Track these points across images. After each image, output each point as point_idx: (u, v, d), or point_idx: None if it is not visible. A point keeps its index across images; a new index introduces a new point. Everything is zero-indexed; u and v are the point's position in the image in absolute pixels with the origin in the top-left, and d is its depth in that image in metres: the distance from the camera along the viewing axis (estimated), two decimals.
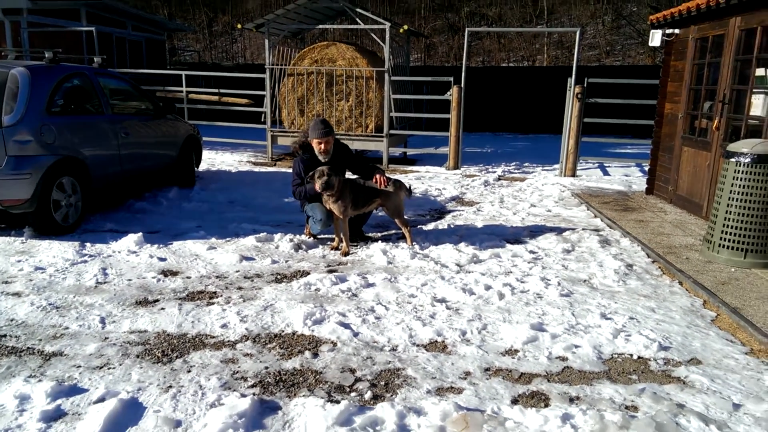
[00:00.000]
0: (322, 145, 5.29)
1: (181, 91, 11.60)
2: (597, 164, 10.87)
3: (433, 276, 4.57)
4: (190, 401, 2.78)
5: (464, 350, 3.33)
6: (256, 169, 10.09)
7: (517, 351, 3.32)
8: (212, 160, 10.93)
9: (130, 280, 4.48)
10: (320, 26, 11.30)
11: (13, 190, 5.15)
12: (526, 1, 33.58)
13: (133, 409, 2.73)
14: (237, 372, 3.08)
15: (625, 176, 9.62)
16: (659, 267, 4.88)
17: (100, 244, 5.31)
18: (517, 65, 29.45)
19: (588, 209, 7.08)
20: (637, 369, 3.13)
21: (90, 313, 3.82)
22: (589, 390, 2.90)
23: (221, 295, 4.19)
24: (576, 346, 3.34)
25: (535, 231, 6.04)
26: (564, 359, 3.22)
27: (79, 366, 3.14)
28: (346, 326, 3.62)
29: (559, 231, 6.01)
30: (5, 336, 3.49)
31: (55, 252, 5.05)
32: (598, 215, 6.66)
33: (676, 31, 7.39)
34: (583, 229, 6.01)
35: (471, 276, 4.56)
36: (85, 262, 4.84)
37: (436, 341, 3.46)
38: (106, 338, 3.48)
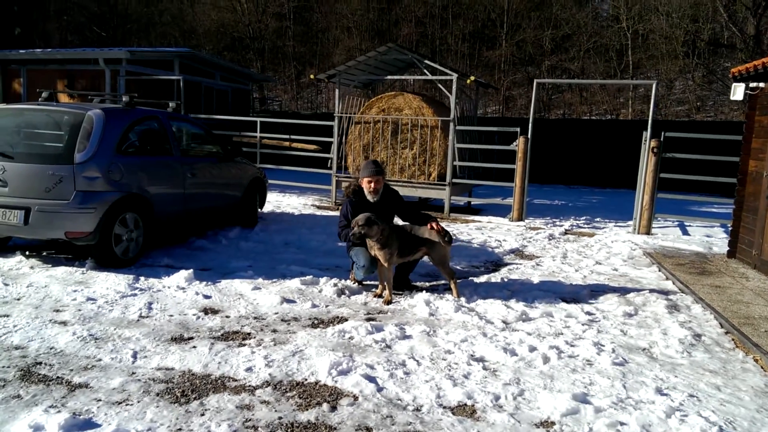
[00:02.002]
0: (372, 184, 5.25)
1: (255, 137, 12.09)
2: (677, 222, 10.15)
3: (475, 332, 4.30)
4: None
5: (494, 417, 3.04)
6: (319, 212, 10.21)
7: (553, 423, 3.00)
8: (279, 202, 11.19)
9: (171, 315, 4.52)
10: (389, 77, 11.51)
11: (78, 223, 5.42)
12: (610, 56, 32.88)
13: None
14: (249, 420, 2.96)
15: (707, 237, 8.90)
16: (732, 339, 4.35)
17: (152, 279, 5.45)
18: (600, 119, 28.64)
19: (659, 270, 6.54)
20: None
21: (125, 347, 3.86)
22: None
23: (254, 337, 4.13)
24: (622, 424, 2.96)
25: (596, 290, 5.62)
26: None
27: (99, 400, 3.13)
28: (372, 380, 3.44)
29: (622, 292, 5.56)
30: (40, 363, 3.57)
31: (109, 284, 5.23)
32: (670, 277, 6.12)
33: (761, 84, 6.88)
34: (650, 292, 5.52)
35: (516, 335, 4.26)
36: (135, 295, 4.96)
37: (465, 404, 3.19)
38: (133, 373, 3.48)
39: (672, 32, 29.60)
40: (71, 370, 3.50)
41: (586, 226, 9.77)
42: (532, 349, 3.97)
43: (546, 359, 3.80)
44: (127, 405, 3.09)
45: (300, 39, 37.94)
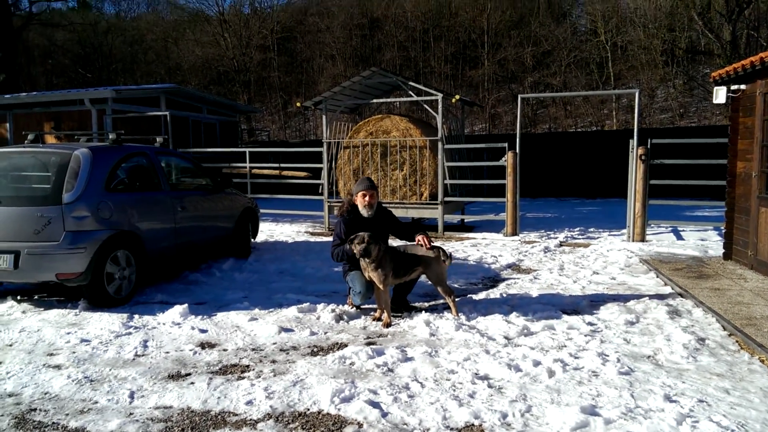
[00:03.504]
0: (367, 198, 5.23)
1: (245, 167, 12.09)
2: (670, 228, 10.18)
3: (478, 350, 4.24)
4: None
5: None
6: (312, 239, 10.16)
7: None
8: (271, 231, 11.14)
9: (167, 352, 4.43)
10: (375, 101, 11.59)
11: (69, 264, 5.34)
12: (591, 69, 33.37)
13: None
14: None
15: (701, 240, 8.91)
16: (736, 341, 4.31)
17: (147, 316, 5.36)
18: (585, 130, 28.92)
19: (657, 276, 6.52)
20: None
21: (121, 387, 3.77)
22: None
23: (253, 369, 4.05)
24: None
25: (596, 300, 5.58)
26: None
27: None
28: (376, 405, 3.36)
29: (622, 300, 5.52)
30: (35, 410, 3.47)
31: (103, 324, 5.13)
32: (669, 283, 6.10)
33: (742, 86, 6.97)
34: (650, 299, 5.49)
35: (519, 350, 4.20)
36: (129, 334, 4.87)
37: (473, 425, 3.12)
38: (131, 414, 3.39)
39: (650, 42, 30.14)
40: (67, 414, 3.40)
41: (580, 237, 9.77)
42: (537, 363, 3.91)
43: (551, 373, 3.74)
44: None
45: (285, 69, 38.30)
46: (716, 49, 26.56)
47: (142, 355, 4.38)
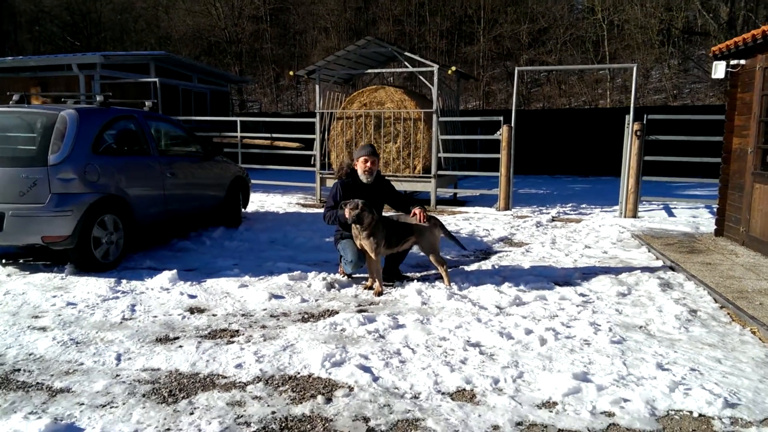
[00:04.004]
0: (368, 164, 5.14)
1: (236, 136, 11.91)
2: (661, 205, 10.19)
3: (470, 318, 4.21)
4: None
5: (494, 401, 2.95)
6: (304, 210, 10.07)
7: (555, 404, 2.91)
8: (262, 201, 11.03)
9: (155, 317, 4.37)
10: (369, 71, 11.40)
11: (55, 227, 5.23)
12: (587, 48, 33.12)
13: None
14: (241, 416, 2.84)
15: (693, 217, 8.92)
16: (728, 313, 4.31)
17: (135, 281, 5.28)
18: (579, 107, 28.83)
19: (649, 251, 6.51)
20: (698, 429, 2.65)
21: (108, 350, 3.71)
22: None
23: (243, 334, 4.00)
24: (625, 400, 2.89)
25: (588, 273, 5.56)
26: (610, 414, 2.79)
27: (83, 404, 2.99)
28: (367, 370, 3.33)
29: (614, 273, 5.51)
30: (19, 370, 3.41)
31: (90, 288, 5.05)
32: (660, 257, 6.10)
33: (742, 61, 6.89)
34: (641, 272, 5.48)
35: (511, 319, 4.18)
36: (117, 298, 4.80)
37: (464, 389, 3.10)
38: (117, 375, 3.33)
39: (647, 21, 29.87)
40: (52, 375, 3.34)
41: (572, 212, 9.75)
42: (528, 332, 3.89)
43: (543, 341, 3.72)
44: (111, 408, 2.94)
45: (277, 41, 37.65)
46: (712, 30, 26.43)
47: (130, 319, 4.31)
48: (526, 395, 3.01)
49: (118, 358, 3.59)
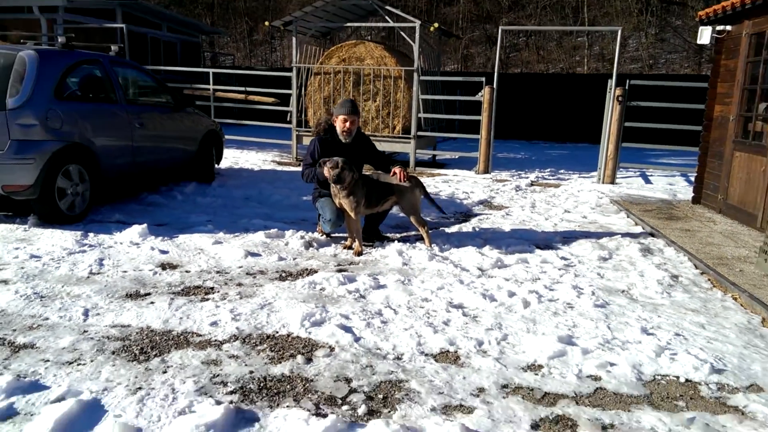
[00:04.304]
0: (347, 124, 4.93)
1: (208, 89, 11.45)
2: (638, 172, 10.25)
3: (452, 280, 4.13)
4: (158, 406, 2.42)
5: (479, 363, 2.88)
6: (279, 168, 9.82)
7: (541, 366, 2.86)
8: (236, 158, 10.72)
9: (125, 272, 4.18)
10: (349, 24, 10.99)
11: (16, 176, 4.93)
12: (566, 14, 32.86)
13: (91, 412, 2.39)
14: (217, 376, 2.71)
15: (669, 185, 8.99)
16: (709, 279, 4.33)
17: (103, 235, 5.05)
18: (557, 73, 28.74)
19: (628, 217, 6.52)
20: (685, 394, 2.63)
21: (74, 305, 3.52)
22: (626, 417, 2.43)
23: (218, 291, 3.85)
24: (611, 364, 2.85)
25: (568, 237, 5.53)
26: (597, 378, 2.75)
27: (47, 360, 2.82)
28: (348, 330, 3.22)
29: (594, 238, 5.49)
30: None
31: (55, 241, 4.81)
32: (639, 223, 6.10)
33: (728, 27, 6.81)
34: (622, 237, 5.48)
35: (493, 281, 4.11)
36: (84, 252, 4.57)
37: (448, 351, 3.02)
38: (85, 332, 3.16)
39: None
40: (14, 330, 3.15)
41: (551, 177, 9.73)
42: (511, 294, 3.83)
43: (526, 304, 3.67)
44: (78, 365, 2.78)
45: None
46: (689, 0, 26.38)
47: (98, 273, 4.11)
48: (511, 358, 2.95)
49: (86, 313, 3.41)
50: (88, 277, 4.05)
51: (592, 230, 5.88)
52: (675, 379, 2.76)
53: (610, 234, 5.63)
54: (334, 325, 3.25)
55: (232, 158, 10.59)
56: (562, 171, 10.51)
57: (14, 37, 10.99)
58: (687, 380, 2.75)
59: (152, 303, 3.59)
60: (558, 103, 17.02)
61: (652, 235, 5.63)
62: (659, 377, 2.77)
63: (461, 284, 4.04)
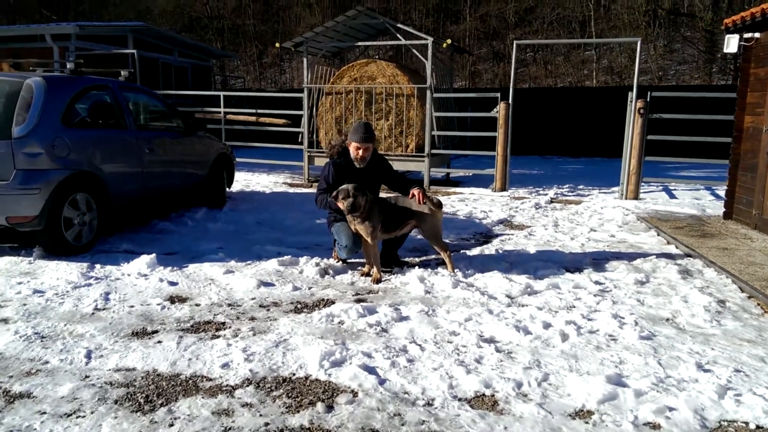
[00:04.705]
0: (360, 152, 4.69)
1: (219, 112, 11.34)
2: (660, 186, 9.90)
3: (479, 309, 3.85)
4: None
5: (521, 409, 2.59)
6: (291, 190, 9.61)
7: (591, 413, 2.56)
8: (248, 181, 10.54)
9: (132, 306, 3.94)
10: (360, 44, 10.85)
11: (21, 207, 4.74)
12: (573, 28, 32.79)
13: None
14: (230, 429, 2.44)
15: (696, 199, 8.64)
16: (758, 304, 4.00)
17: (110, 266, 4.83)
18: (570, 86, 28.55)
19: (658, 235, 6.20)
20: None
21: (77, 345, 3.28)
22: None
23: (230, 327, 3.59)
24: (670, 409, 2.54)
25: (599, 258, 5.22)
26: (656, 427, 2.44)
27: (44, 412, 2.57)
28: (371, 370, 2.94)
29: (627, 259, 5.18)
30: None
31: (60, 273, 4.59)
32: (672, 242, 5.78)
33: (757, 35, 6.53)
34: (657, 257, 5.16)
35: (525, 311, 3.81)
36: (89, 285, 4.35)
37: (484, 395, 2.73)
38: (87, 377, 2.91)
39: (634, 2, 29.62)
40: (11, 377, 2.91)
41: (570, 194, 9.42)
42: (547, 325, 3.54)
43: (564, 336, 3.37)
44: (78, 417, 2.53)
45: (260, 17, 36.66)
46: (698, 11, 26.17)
47: (103, 309, 3.88)
48: (556, 402, 2.65)
49: (89, 355, 3.17)
50: (93, 313, 3.81)
51: (623, 250, 5.57)
52: (744, 425, 2.44)
53: (643, 255, 5.32)
54: (356, 366, 2.97)
55: (243, 181, 10.42)
56: (581, 187, 10.19)
57: (26, 65, 10.97)
58: (758, 426, 2.43)
59: (159, 342, 3.34)
60: (570, 117, 16.76)
61: (688, 255, 5.30)
62: (725, 423, 2.46)
63: (490, 314, 3.75)
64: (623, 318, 3.66)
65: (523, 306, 3.94)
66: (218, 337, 3.43)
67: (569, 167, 14.22)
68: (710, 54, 29.45)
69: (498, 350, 3.21)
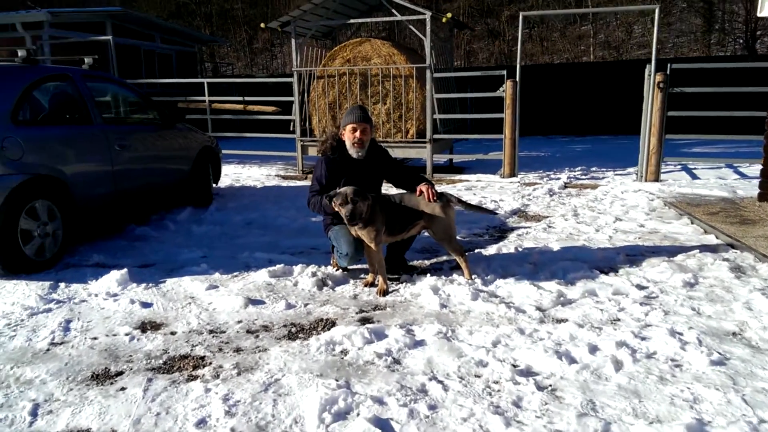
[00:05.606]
0: (357, 134, 4.02)
1: (204, 101, 10.61)
2: (679, 166, 9.26)
3: (508, 328, 3.23)
4: None
5: None
6: (284, 183, 8.95)
7: None
8: (238, 175, 9.87)
9: (95, 338, 3.32)
10: (352, 21, 10.09)
11: None
12: (570, 2, 31.98)
13: None
14: None
15: (720, 179, 8.01)
16: None
17: (76, 284, 4.20)
18: (571, 62, 27.80)
19: (692, 222, 5.58)
20: None
21: (22, 397, 2.67)
22: None
23: (210, 363, 2.97)
24: None
25: (633, 254, 4.60)
26: None
27: None
28: (385, 426, 2.33)
29: (666, 254, 4.56)
30: None
31: (16, 297, 3.97)
32: (711, 231, 5.16)
33: None
34: (700, 251, 4.54)
35: (563, 328, 3.20)
36: (49, 311, 3.73)
37: None
38: None
39: None
40: None
41: (584, 177, 8.79)
42: (593, 348, 2.92)
43: (618, 364, 2.75)
44: None
45: (249, 1, 35.60)
46: None
47: (61, 344, 3.25)
48: None
49: (34, 411, 2.56)
50: (48, 349, 3.19)
51: (657, 243, 4.95)
52: None
53: (683, 248, 4.70)
54: (365, 419, 2.35)
55: (233, 175, 9.75)
56: (594, 168, 9.56)
57: None
58: None
59: (123, 390, 2.72)
60: (573, 95, 16.06)
61: (732, 246, 4.69)
62: None
63: (522, 334, 3.14)
64: (682, 335, 3.04)
65: (558, 322, 3.32)
66: (195, 378, 2.81)
67: (577, 147, 13.57)
68: (708, 25, 28.76)
69: (539, 387, 2.60)
